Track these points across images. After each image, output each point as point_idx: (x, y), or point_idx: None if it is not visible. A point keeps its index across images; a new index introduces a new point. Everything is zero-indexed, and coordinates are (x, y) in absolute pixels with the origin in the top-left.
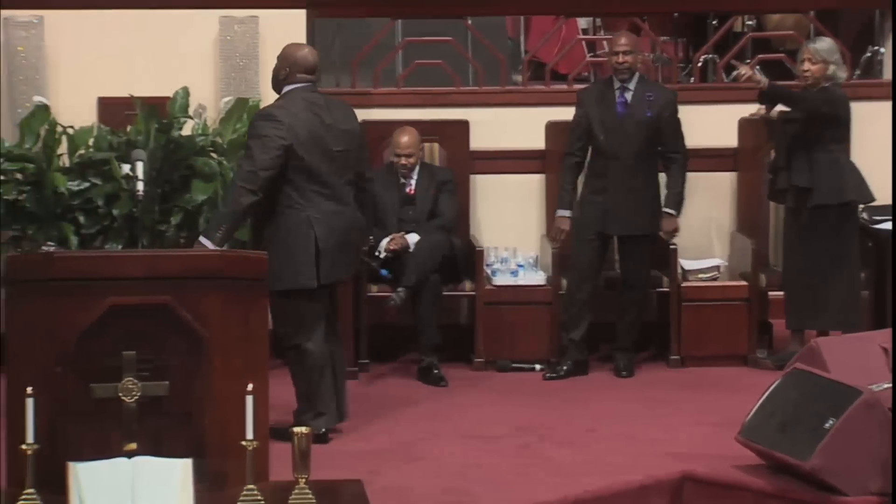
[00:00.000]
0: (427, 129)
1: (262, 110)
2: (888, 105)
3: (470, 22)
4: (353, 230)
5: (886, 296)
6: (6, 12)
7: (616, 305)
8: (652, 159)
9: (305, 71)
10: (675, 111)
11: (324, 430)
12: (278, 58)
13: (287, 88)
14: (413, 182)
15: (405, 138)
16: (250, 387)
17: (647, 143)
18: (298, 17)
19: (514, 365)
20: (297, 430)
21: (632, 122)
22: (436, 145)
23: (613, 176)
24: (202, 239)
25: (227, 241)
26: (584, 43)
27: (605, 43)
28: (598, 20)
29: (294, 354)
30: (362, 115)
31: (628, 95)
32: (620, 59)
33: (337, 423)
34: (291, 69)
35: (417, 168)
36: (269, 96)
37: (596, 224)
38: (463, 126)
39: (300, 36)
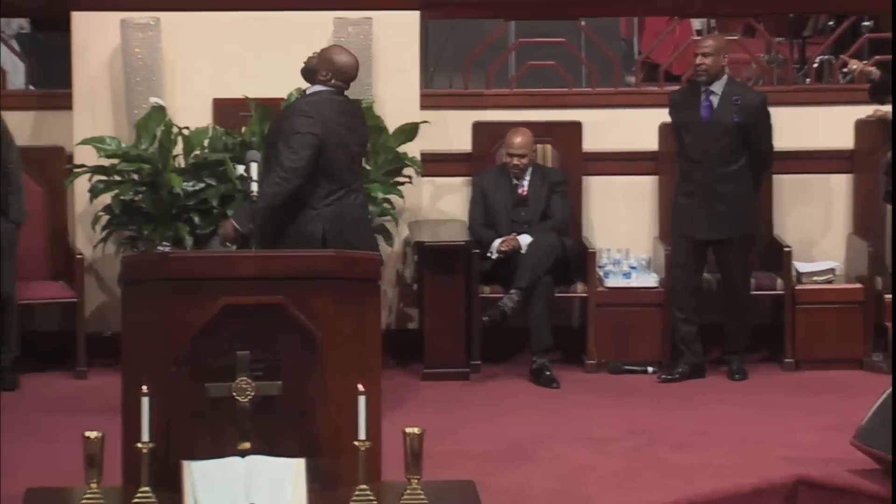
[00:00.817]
0: (539, 131)
1: (295, 106)
2: None
3: (583, 23)
4: (359, 229)
5: None
6: (124, 14)
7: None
8: (740, 163)
9: (344, 80)
10: (766, 115)
11: None
12: (322, 58)
13: (318, 88)
14: (526, 183)
15: (518, 139)
16: (361, 387)
17: (732, 148)
18: (412, 18)
19: (626, 367)
20: (408, 430)
21: (717, 127)
22: (548, 147)
23: (699, 180)
24: (232, 221)
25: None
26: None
27: None
28: (713, 21)
29: None
30: (474, 116)
31: (714, 99)
32: (699, 60)
33: None
34: (334, 74)
35: (530, 169)
36: (381, 97)
37: (686, 227)
38: (575, 127)
39: (413, 37)
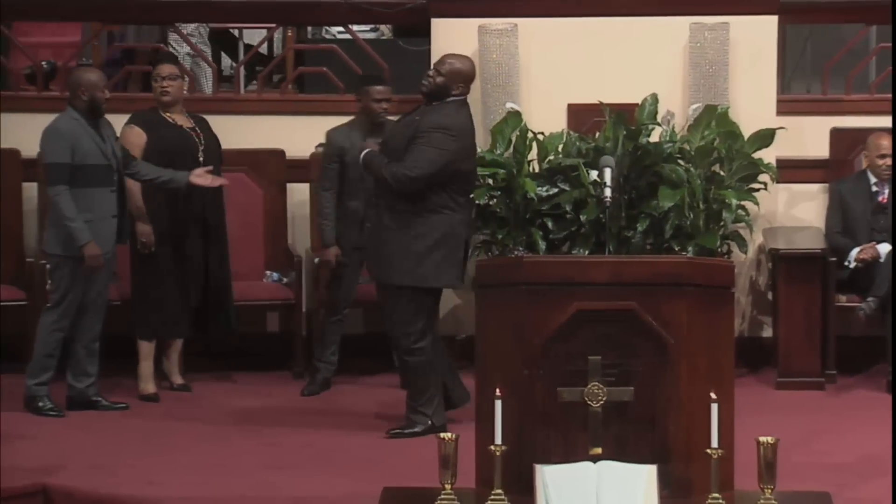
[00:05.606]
0: None
1: (442, 121)
2: None
3: None
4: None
5: None
6: (482, 20)
7: None
8: None
9: (469, 86)
10: None
11: (441, 423)
12: (451, 72)
13: (453, 99)
14: (886, 191)
15: (885, 141)
16: (714, 394)
17: None
18: (769, 23)
19: None
20: (762, 439)
21: None
22: None
23: None
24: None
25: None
26: None
27: None
28: None
29: (415, 353)
30: (832, 122)
31: None
32: None
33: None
34: (465, 85)
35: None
36: (737, 102)
37: None
38: None
39: (770, 42)
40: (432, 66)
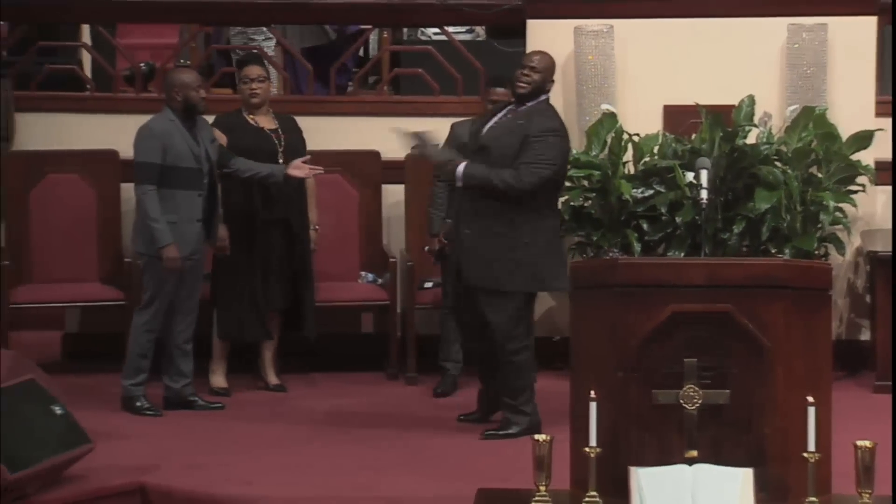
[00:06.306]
0: None
1: (552, 124)
2: None
3: None
4: None
5: None
6: (578, 21)
7: None
8: None
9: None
10: None
11: (538, 421)
12: (546, 67)
13: (545, 98)
14: None
15: None
16: (811, 398)
17: None
18: (868, 24)
19: None
20: (860, 443)
21: None
22: None
23: None
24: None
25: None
26: None
27: None
28: None
29: (520, 352)
30: None
31: None
32: None
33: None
34: (553, 82)
35: None
36: (835, 103)
37: None
38: None
39: (869, 43)
40: (525, 66)
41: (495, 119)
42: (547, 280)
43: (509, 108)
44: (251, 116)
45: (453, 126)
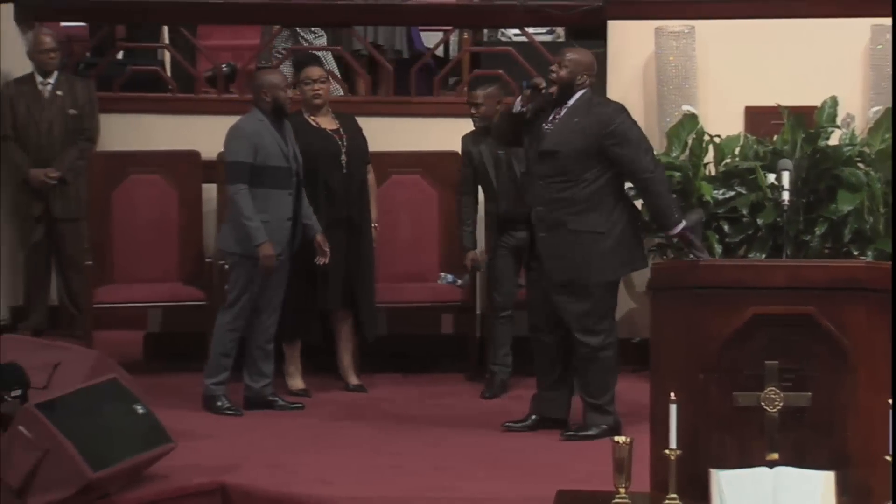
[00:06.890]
0: None
1: (615, 107)
2: None
3: None
4: None
5: None
6: (658, 22)
7: None
8: None
9: (593, 77)
10: None
11: (619, 421)
12: (572, 63)
13: (585, 91)
14: None
15: None
16: (891, 401)
17: None
18: None
19: None
20: None
21: None
22: None
23: None
24: (684, 230)
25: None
26: None
27: None
28: None
29: (607, 348)
30: None
31: None
32: None
33: None
34: (590, 76)
35: None
36: None
37: None
38: None
39: None
40: (553, 62)
41: (547, 126)
42: (629, 264)
43: (555, 110)
44: (312, 118)
45: (463, 139)
